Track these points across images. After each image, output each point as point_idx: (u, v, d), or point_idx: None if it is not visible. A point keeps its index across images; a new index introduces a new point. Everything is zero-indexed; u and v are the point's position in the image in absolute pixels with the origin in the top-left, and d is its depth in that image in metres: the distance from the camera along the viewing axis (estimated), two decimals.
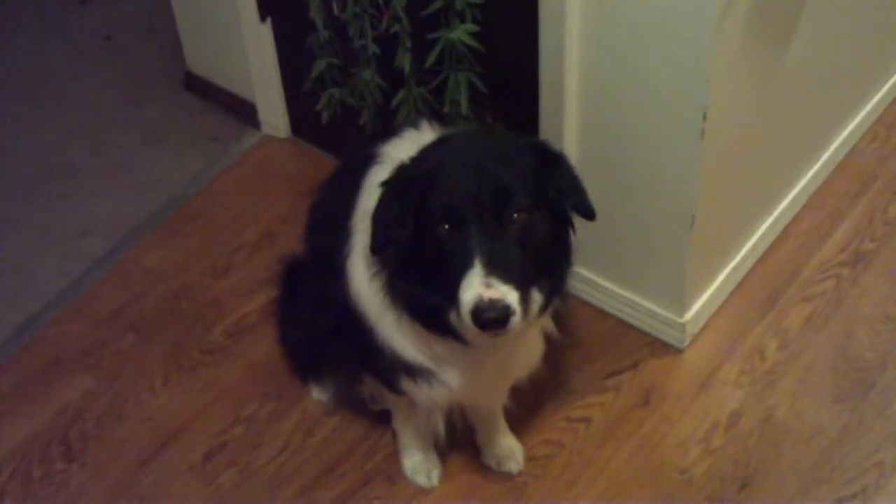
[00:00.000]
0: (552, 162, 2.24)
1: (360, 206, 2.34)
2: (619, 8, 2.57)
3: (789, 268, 3.30)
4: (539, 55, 2.78)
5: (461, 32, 2.90)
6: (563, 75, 2.75)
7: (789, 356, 3.07)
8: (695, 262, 2.95)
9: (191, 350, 3.22)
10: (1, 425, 3.06)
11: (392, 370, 2.43)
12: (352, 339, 2.46)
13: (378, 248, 2.20)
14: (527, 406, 2.93)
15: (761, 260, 3.31)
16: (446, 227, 2.09)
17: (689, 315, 3.06)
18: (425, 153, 2.24)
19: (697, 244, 2.89)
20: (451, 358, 2.36)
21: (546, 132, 2.87)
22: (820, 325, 3.14)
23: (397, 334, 2.35)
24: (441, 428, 2.70)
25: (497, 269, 2.03)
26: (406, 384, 2.45)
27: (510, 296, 2.03)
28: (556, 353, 2.89)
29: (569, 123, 2.85)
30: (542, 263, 2.18)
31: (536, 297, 2.19)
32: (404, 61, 3.10)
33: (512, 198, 2.09)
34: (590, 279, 3.16)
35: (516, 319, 2.04)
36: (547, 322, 2.47)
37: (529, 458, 2.88)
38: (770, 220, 3.31)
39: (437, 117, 2.75)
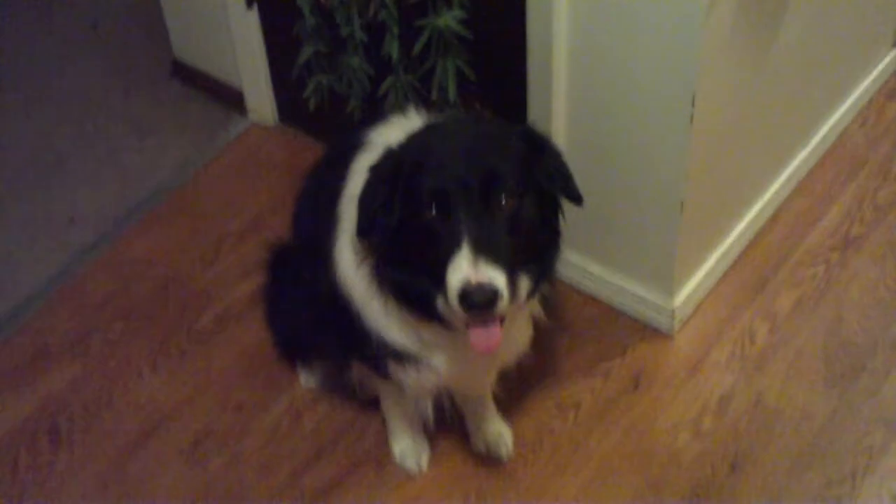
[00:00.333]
0: (540, 147, 2.24)
1: (347, 193, 2.33)
2: None
3: (779, 252, 3.30)
4: (527, 41, 2.77)
5: (449, 19, 2.90)
6: (551, 61, 2.74)
7: (779, 340, 3.07)
8: (684, 248, 2.94)
9: (179, 338, 3.21)
10: None
11: (379, 356, 2.42)
12: (339, 326, 2.45)
13: (364, 231, 2.19)
14: (516, 391, 2.93)
15: (751, 245, 3.30)
16: (434, 211, 2.08)
17: (678, 300, 3.05)
18: (413, 139, 2.23)
19: (687, 229, 2.89)
20: (438, 343, 2.35)
21: (534, 118, 2.86)
22: (810, 310, 3.14)
23: (384, 320, 2.34)
24: (430, 413, 2.69)
25: (485, 252, 2.03)
26: (394, 369, 2.45)
27: (498, 279, 2.02)
28: (545, 339, 2.91)
29: (557, 110, 2.84)
30: (530, 249, 2.18)
31: (524, 282, 2.19)
32: (392, 48, 3.09)
33: (501, 182, 2.09)
34: (579, 265, 3.16)
35: (504, 303, 2.04)
36: (535, 307, 2.46)
37: (519, 443, 2.88)
38: (759, 204, 3.30)
39: (425, 104, 2.74)
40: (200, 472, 2.88)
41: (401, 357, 2.40)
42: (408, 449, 2.85)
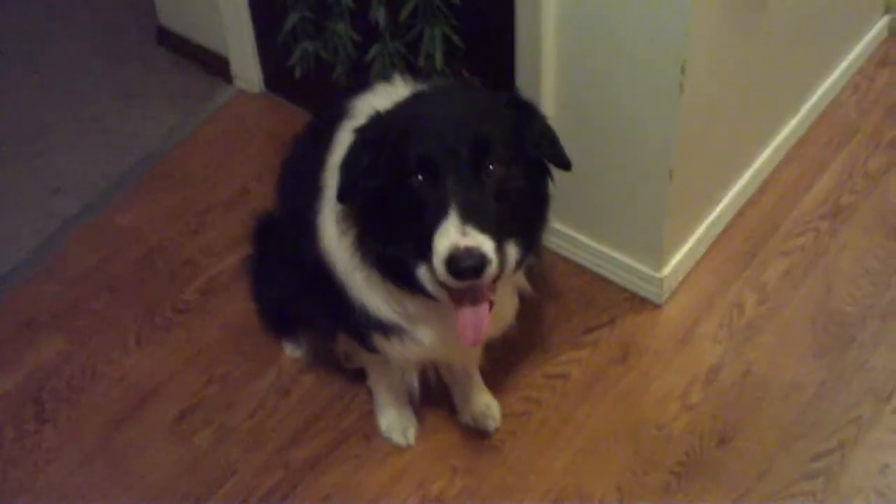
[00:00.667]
0: (528, 114, 2.22)
1: (331, 162, 2.31)
2: None
3: (768, 222, 3.28)
4: (515, 8, 2.75)
5: None
6: (540, 29, 2.71)
7: (768, 311, 3.06)
8: (673, 217, 2.93)
9: (165, 309, 3.19)
10: None
11: (364, 327, 2.41)
12: (323, 296, 2.44)
13: (345, 195, 2.17)
14: (504, 363, 2.92)
15: (740, 214, 3.29)
16: (421, 177, 2.06)
17: (667, 270, 3.04)
18: (401, 106, 2.21)
19: (675, 198, 2.87)
20: (422, 315, 2.34)
21: (522, 86, 2.83)
22: (799, 280, 3.13)
23: (368, 291, 2.32)
24: (415, 385, 2.69)
25: (473, 218, 2.01)
26: (378, 341, 2.43)
27: (486, 244, 2.01)
28: (533, 309, 2.91)
29: (545, 78, 2.82)
30: (518, 218, 2.16)
31: (512, 252, 2.17)
32: (379, 15, 3.05)
33: (490, 149, 2.07)
34: (567, 234, 3.14)
35: (492, 269, 2.02)
36: (521, 280, 2.44)
37: (507, 416, 2.87)
38: (749, 173, 3.28)
39: (412, 71, 2.71)
40: (187, 446, 2.87)
41: (385, 329, 2.38)
42: (395, 422, 2.84)
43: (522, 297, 2.51)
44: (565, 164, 2.25)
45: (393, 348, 2.43)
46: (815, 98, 3.51)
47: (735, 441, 2.78)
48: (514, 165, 2.12)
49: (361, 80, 2.60)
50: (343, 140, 2.26)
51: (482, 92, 2.38)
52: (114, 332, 3.14)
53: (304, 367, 3.01)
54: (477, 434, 2.84)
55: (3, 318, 3.20)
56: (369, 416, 2.88)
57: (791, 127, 3.42)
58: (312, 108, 3.51)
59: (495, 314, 2.25)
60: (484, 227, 2.01)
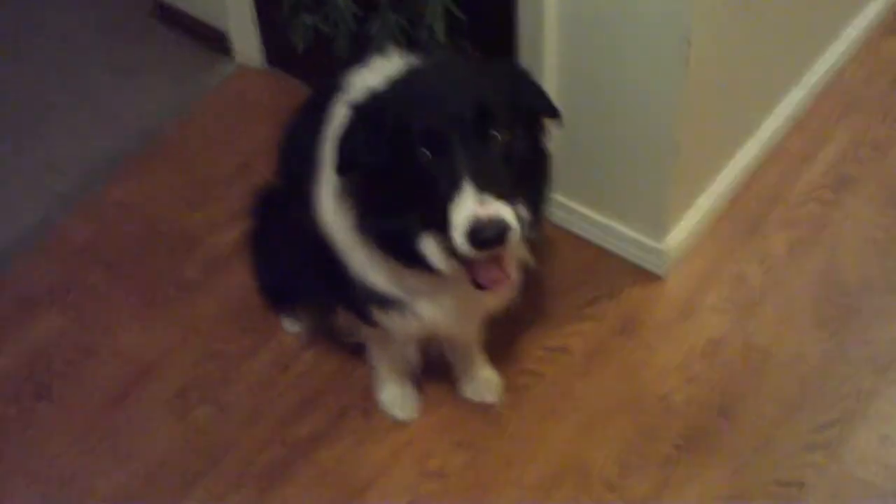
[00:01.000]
0: (518, 74, 2.23)
1: (327, 135, 2.29)
2: None
3: (772, 193, 3.25)
4: None
5: None
6: (543, 1, 2.67)
7: (771, 282, 3.03)
8: (676, 188, 2.91)
9: (163, 285, 3.18)
10: None
11: (364, 301, 2.39)
12: (323, 270, 2.42)
13: (344, 169, 2.15)
14: (504, 336, 2.90)
15: (744, 185, 3.26)
16: (427, 151, 2.04)
17: (669, 241, 3.02)
18: (396, 81, 2.18)
19: (679, 169, 2.85)
20: (422, 289, 2.32)
21: (525, 60, 2.81)
22: (802, 252, 3.10)
23: (367, 264, 2.31)
24: (415, 359, 2.68)
25: (488, 186, 1.99)
26: (378, 315, 2.42)
27: (505, 211, 1.98)
28: (534, 282, 2.88)
29: (548, 49, 2.79)
30: (524, 179, 2.15)
31: (522, 214, 2.15)
32: None
33: (493, 116, 2.05)
34: (570, 206, 3.12)
35: (514, 234, 2.00)
36: (522, 251, 2.41)
37: (508, 389, 2.86)
38: (753, 144, 3.25)
39: (413, 44, 2.68)
40: (185, 422, 2.86)
41: (385, 302, 2.36)
42: (395, 397, 2.83)
43: (525, 269, 2.48)
44: (555, 114, 2.25)
45: (393, 322, 2.41)
46: (820, 68, 3.47)
47: (736, 413, 2.76)
48: (516, 128, 2.11)
49: (362, 54, 2.58)
50: (338, 113, 2.24)
51: (477, 59, 2.36)
52: (111, 309, 3.13)
53: (304, 343, 2.99)
54: (478, 408, 2.83)
55: (0, 295, 3.19)
56: (369, 391, 2.87)
57: (796, 97, 3.39)
58: (313, 83, 3.48)
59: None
60: (500, 194, 1.99)
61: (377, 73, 2.27)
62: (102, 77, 3.89)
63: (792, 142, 3.37)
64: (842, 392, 2.78)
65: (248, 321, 3.06)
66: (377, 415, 2.84)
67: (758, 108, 3.25)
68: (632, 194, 2.98)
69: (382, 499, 2.70)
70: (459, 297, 2.36)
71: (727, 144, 3.17)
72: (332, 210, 2.29)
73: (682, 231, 3.05)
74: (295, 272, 2.70)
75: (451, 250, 2.07)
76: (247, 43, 3.78)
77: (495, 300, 2.45)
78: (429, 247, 2.14)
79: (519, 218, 2.06)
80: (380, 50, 2.42)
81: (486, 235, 1.97)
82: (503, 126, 2.06)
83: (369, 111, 2.13)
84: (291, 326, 3.02)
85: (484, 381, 2.84)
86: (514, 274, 2.35)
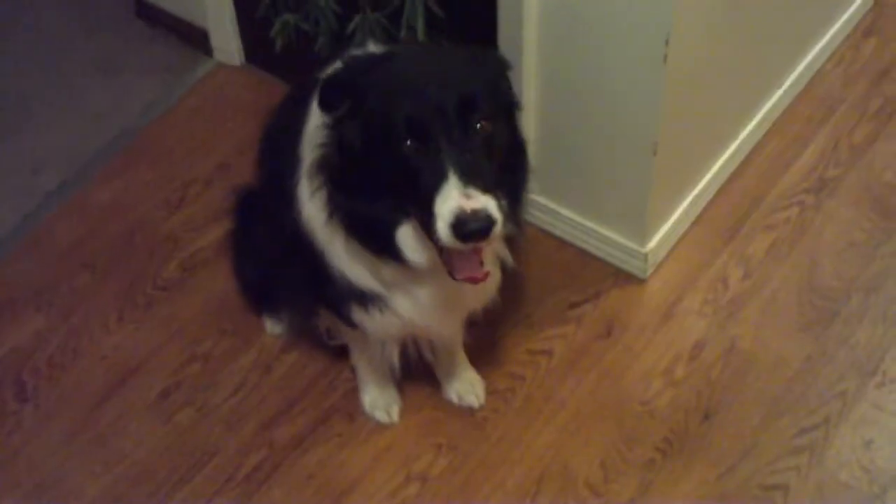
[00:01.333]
0: (497, 63, 2.23)
1: (308, 131, 2.28)
2: None
3: (753, 195, 3.26)
4: None
5: None
6: (523, 0, 2.68)
7: (753, 285, 3.05)
8: (657, 190, 2.91)
9: (146, 286, 3.17)
10: None
11: (343, 298, 2.38)
12: (304, 268, 2.41)
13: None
14: (487, 339, 2.91)
15: (724, 187, 3.27)
16: (409, 141, 2.02)
17: (651, 244, 3.02)
18: (377, 66, 2.14)
19: (660, 172, 2.85)
20: (399, 281, 2.31)
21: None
22: (784, 254, 3.11)
23: (347, 258, 2.29)
24: (396, 361, 2.67)
25: (472, 178, 1.98)
26: (357, 314, 2.40)
27: (490, 204, 1.97)
28: (516, 285, 2.89)
29: (528, 50, 2.79)
30: (505, 170, 2.15)
31: (503, 206, 2.12)
32: None
33: (475, 106, 2.04)
34: (551, 208, 3.12)
35: (498, 227, 1.99)
36: (501, 249, 2.40)
37: (490, 392, 2.86)
38: (733, 146, 3.26)
39: (393, 43, 2.67)
40: (169, 425, 2.85)
41: (364, 299, 2.35)
42: (378, 400, 2.83)
43: (504, 269, 2.47)
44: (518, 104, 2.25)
45: (372, 320, 2.40)
46: (799, 69, 3.48)
47: (719, 416, 2.77)
48: (497, 119, 2.10)
49: (341, 51, 2.58)
50: (317, 113, 2.22)
51: (455, 48, 2.30)
52: (94, 310, 3.12)
53: (286, 345, 2.99)
54: (461, 411, 2.84)
55: None
56: (352, 393, 2.87)
57: (776, 99, 3.40)
58: (293, 81, 3.47)
59: (479, 287, 2.23)
60: (484, 187, 1.99)
61: None
62: (83, 75, 3.86)
63: (772, 144, 3.39)
64: (825, 396, 2.79)
65: (230, 323, 3.06)
66: (360, 418, 2.84)
67: (738, 109, 3.26)
68: (613, 196, 2.98)
69: (365, 502, 2.70)
70: (437, 292, 2.35)
71: (708, 147, 3.17)
72: (313, 203, 2.28)
73: (664, 234, 3.06)
74: (276, 271, 2.69)
75: (429, 239, 2.06)
76: (226, 41, 3.77)
77: (475, 298, 2.46)
78: (405, 236, 2.14)
79: (501, 210, 2.06)
80: (357, 44, 2.41)
81: (471, 228, 1.96)
82: (485, 117, 2.05)
83: (346, 76, 2.13)
84: (273, 328, 3.02)
85: (467, 385, 2.84)
86: (491, 267, 2.33)
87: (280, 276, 2.68)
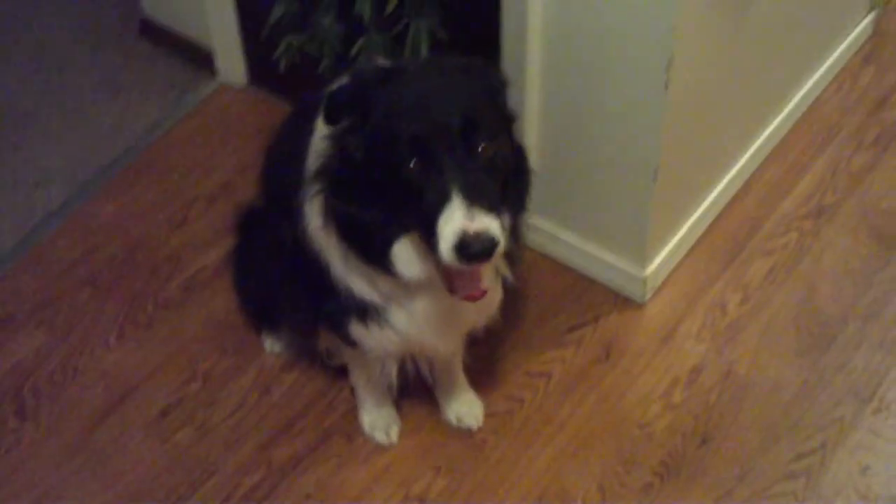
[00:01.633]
0: (498, 81, 2.23)
1: (313, 148, 2.28)
2: None
3: (751, 221, 3.28)
4: (501, 3, 2.73)
5: None
6: (526, 24, 2.70)
7: (751, 310, 3.06)
8: (657, 215, 2.92)
9: (147, 304, 3.18)
10: None
11: (344, 312, 2.38)
12: (305, 281, 2.41)
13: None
14: (486, 361, 2.92)
15: (723, 213, 3.29)
16: (414, 161, 2.02)
17: (650, 269, 3.04)
18: (381, 75, 2.16)
19: (660, 197, 2.86)
20: (396, 296, 2.31)
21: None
22: (782, 279, 3.13)
23: (348, 270, 2.29)
24: (394, 379, 2.67)
25: (476, 199, 1.98)
26: (357, 329, 2.41)
27: (493, 226, 1.98)
28: (516, 307, 2.91)
29: (531, 73, 2.81)
30: (506, 190, 2.15)
31: (505, 221, 2.15)
32: (364, 8, 3.03)
33: (479, 126, 2.04)
34: (550, 232, 3.13)
35: (500, 248, 2.00)
36: (502, 266, 2.40)
37: (489, 414, 2.87)
38: (732, 172, 3.28)
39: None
40: (168, 444, 2.85)
41: (364, 312, 2.35)
42: (377, 420, 2.83)
43: (505, 287, 2.48)
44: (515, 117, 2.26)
45: (371, 337, 2.40)
46: (798, 96, 3.51)
47: (717, 441, 2.78)
48: (499, 138, 2.11)
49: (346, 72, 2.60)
50: (322, 127, 2.24)
51: (457, 66, 2.26)
52: (95, 328, 3.12)
53: (286, 365, 3.00)
54: (460, 433, 2.84)
55: None
56: (351, 414, 2.87)
57: (775, 125, 3.42)
58: (298, 99, 3.49)
59: (480, 304, 2.23)
60: (488, 208, 1.99)
61: None
62: (87, 93, 3.88)
63: (771, 170, 3.41)
64: (822, 421, 2.80)
65: (230, 342, 3.06)
66: (359, 438, 2.84)
67: (738, 136, 3.28)
68: (613, 221, 3.00)
69: None
70: (435, 307, 2.35)
71: (708, 172, 3.19)
72: (319, 217, 2.28)
73: (662, 258, 3.07)
74: (277, 288, 2.69)
75: (430, 255, 2.06)
76: (231, 61, 3.79)
77: (474, 315, 2.46)
78: (401, 250, 2.14)
79: (502, 228, 2.07)
80: (364, 63, 2.43)
81: (474, 250, 1.96)
82: (488, 137, 2.05)
83: (352, 93, 2.13)
84: (273, 346, 3.02)
85: (466, 406, 2.85)
86: (490, 284, 2.34)
87: (281, 292, 2.69)
